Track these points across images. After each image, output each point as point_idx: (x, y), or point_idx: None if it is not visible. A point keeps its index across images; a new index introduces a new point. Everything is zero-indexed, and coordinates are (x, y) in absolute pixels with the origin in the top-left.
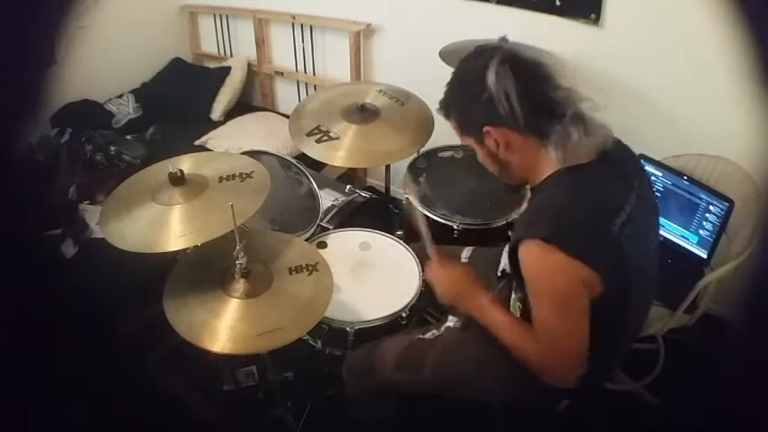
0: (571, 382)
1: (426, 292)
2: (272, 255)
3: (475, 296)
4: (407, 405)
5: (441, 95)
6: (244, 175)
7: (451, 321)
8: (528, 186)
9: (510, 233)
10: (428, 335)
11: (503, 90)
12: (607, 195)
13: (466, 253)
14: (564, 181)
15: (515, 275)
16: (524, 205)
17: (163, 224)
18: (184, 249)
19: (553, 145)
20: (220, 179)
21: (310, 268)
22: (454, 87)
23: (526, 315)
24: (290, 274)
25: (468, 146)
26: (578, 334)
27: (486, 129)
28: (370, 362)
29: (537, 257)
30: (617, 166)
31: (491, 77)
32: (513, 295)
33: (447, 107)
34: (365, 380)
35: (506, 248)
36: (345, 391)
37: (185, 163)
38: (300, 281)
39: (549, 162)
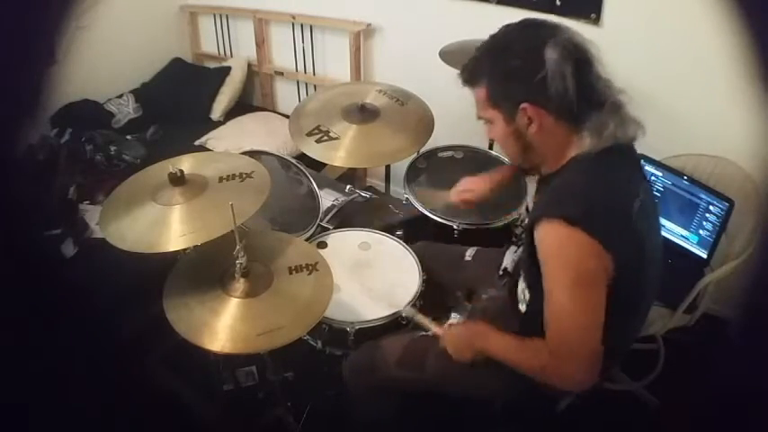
0: (588, 383)
1: (427, 291)
2: (272, 255)
3: (483, 334)
4: (409, 404)
5: (441, 95)
6: (244, 175)
7: (454, 319)
8: (531, 177)
9: (519, 227)
10: (430, 332)
11: (560, 72)
12: (626, 180)
13: (470, 252)
14: (584, 165)
15: (528, 259)
16: (524, 205)
17: (163, 224)
18: (184, 249)
19: (588, 132)
20: (220, 179)
21: (310, 268)
22: (497, 56)
23: (533, 303)
24: (290, 273)
25: (468, 145)
26: (594, 328)
27: (523, 105)
28: (372, 360)
29: (557, 237)
30: (629, 154)
31: (551, 57)
32: (520, 284)
33: (479, 74)
34: (367, 378)
35: (510, 248)
36: (347, 389)
37: (185, 163)
38: (300, 280)
39: (571, 148)
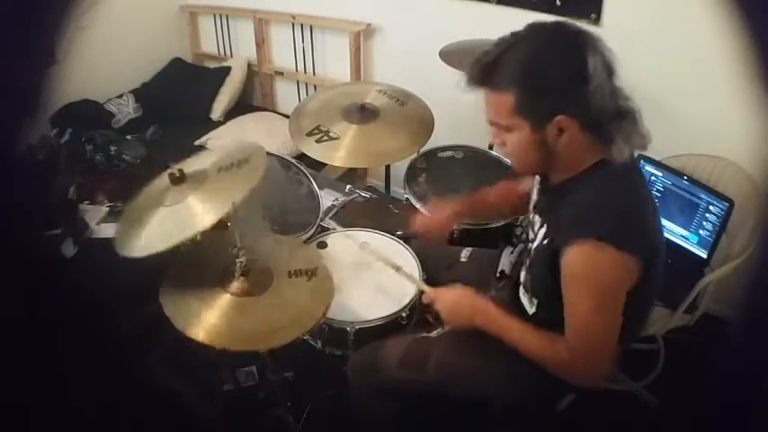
0: (599, 381)
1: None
2: (272, 256)
3: (486, 310)
4: (410, 405)
5: (441, 95)
6: (242, 163)
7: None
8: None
9: (523, 231)
10: (433, 333)
11: (600, 86)
12: (640, 184)
13: (465, 253)
14: (606, 176)
15: (542, 274)
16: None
17: (181, 215)
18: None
19: (617, 144)
20: (219, 169)
21: (310, 273)
22: (533, 63)
23: (542, 309)
24: (290, 277)
25: (468, 145)
26: (615, 330)
27: (559, 117)
28: (374, 360)
29: (591, 257)
30: (633, 159)
31: (596, 69)
32: (524, 294)
33: (506, 79)
34: (369, 378)
35: (506, 250)
36: (349, 389)
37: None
38: (299, 286)
39: (589, 157)
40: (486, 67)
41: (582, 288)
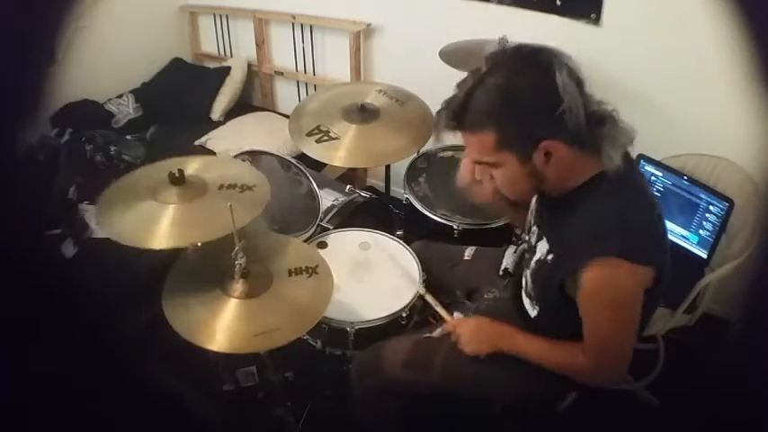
0: (620, 379)
1: (426, 290)
2: (271, 256)
3: (508, 334)
4: (412, 405)
5: (441, 95)
6: (244, 187)
7: (459, 317)
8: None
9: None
10: (436, 333)
11: (573, 102)
12: (644, 189)
13: (469, 251)
14: (608, 187)
15: (553, 290)
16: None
17: (154, 221)
18: (177, 248)
19: (604, 151)
20: (221, 186)
21: (310, 270)
22: (507, 97)
23: (543, 314)
24: (290, 275)
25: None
26: (633, 337)
27: (544, 143)
28: (379, 360)
29: (611, 276)
30: (631, 160)
31: (565, 87)
32: (526, 298)
33: (483, 119)
34: (373, 378)
35: (509, 248)
36: (352, 390)
37: (191, 164)
38: (299, 283)
39: (584, 170)
40: (458, 110)
41: (603, 306)
